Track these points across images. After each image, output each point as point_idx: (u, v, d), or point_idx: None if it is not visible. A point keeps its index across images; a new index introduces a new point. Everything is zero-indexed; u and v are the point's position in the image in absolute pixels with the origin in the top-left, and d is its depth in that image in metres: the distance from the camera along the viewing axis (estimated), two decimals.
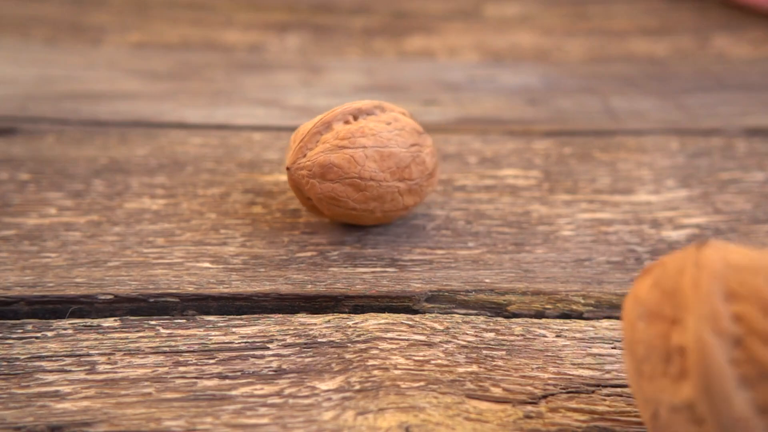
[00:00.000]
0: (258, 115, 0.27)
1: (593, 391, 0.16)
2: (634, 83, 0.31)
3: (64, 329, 0.18)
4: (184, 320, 0.18)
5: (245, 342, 0.17)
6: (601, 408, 0.16)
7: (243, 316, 0.18)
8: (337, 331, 0.18)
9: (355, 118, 0.19)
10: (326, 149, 0.19)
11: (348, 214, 0.19)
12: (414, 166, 0.19)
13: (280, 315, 0.18)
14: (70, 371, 0.16)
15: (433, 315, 0.18)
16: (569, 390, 0.16)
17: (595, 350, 0.17)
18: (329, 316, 0.18)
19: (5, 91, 0.28)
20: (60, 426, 0.15)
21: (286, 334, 0.18)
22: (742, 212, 0.22)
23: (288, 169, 0.19)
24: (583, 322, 0.18)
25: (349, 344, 0.17)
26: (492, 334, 0.18)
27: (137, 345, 0.17)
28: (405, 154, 0.19)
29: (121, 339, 0.17)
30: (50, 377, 0.16)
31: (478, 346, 0.17)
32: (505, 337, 0.18)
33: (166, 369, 0.17)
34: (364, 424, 0.15)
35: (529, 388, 0.16)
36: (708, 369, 0.12)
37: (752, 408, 0.12)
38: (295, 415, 0.16)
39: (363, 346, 0.17)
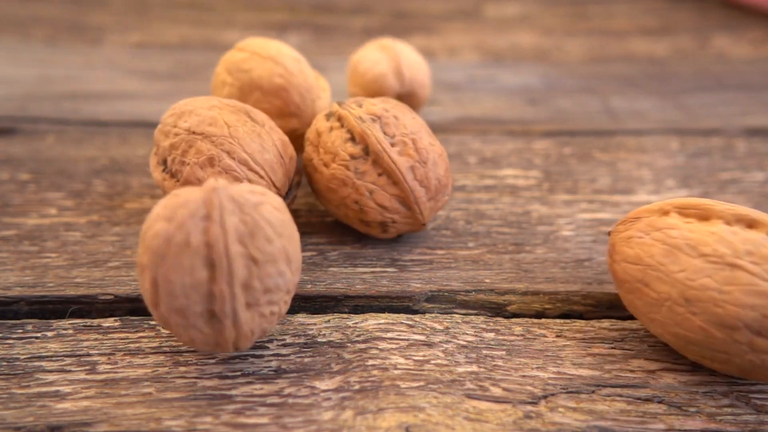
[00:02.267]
0: None
1: (593, 391, 0.16)
2: (634, 83, 0.31)
3: (64, 329, 0.18)
4: None
5: None
6: (601, 408, 0.16)
7: None
8: (336, 331, 0.18)
9: None
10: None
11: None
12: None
13: None
14: (70, 371, 0.16)
15: (432, 315, 0.18)
16: (569, 390, 0.16)
17: (595, 350, 0.17)
18: (329, 316, 0.18)
19: (5, 91, 0.28)
20: (60, 426, 0.15)
21: (286, 334, 0.18)
22: None
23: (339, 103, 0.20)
24: (583, 322, 0.18)
25: (348, 344, 0.17)
26: (492, 334, 0.18)
27: (137, 345, 0.17)
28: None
29: (121, 339, 0.17)
30: (50, 377, 0.16)
31: (478, 346, 0.17)
32: (505, 337, 0.18)
33: (166, 369, 0.17)
34: (363, 424, 0.15)
35: (529, 388, 0.16)
36: None
37: None
38: (294, 415, 0.16)
39: (362, 346, 0.17)
